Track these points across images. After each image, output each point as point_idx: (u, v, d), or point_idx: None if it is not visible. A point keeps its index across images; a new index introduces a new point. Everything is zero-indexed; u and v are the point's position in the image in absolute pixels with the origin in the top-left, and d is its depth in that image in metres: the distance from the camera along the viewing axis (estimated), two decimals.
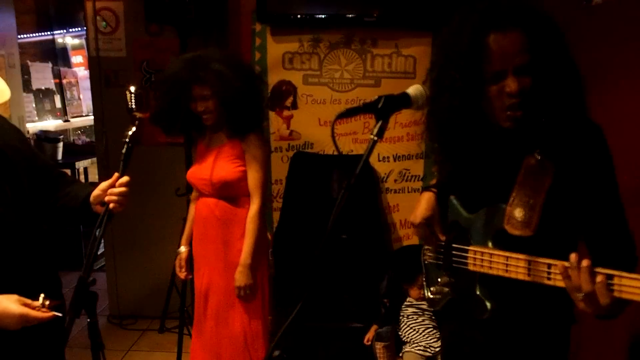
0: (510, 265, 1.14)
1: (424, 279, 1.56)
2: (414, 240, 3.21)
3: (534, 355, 1.32)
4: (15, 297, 1.28)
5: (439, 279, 1.43)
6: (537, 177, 1.13)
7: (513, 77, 1.13)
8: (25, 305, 1.27)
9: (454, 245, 1.36)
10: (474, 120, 1.20)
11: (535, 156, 1.14)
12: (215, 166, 2.26)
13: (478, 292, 1.26)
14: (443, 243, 1.43)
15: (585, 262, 0.97)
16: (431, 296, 1.49)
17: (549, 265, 1.05)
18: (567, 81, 1.15)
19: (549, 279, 1.06)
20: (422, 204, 1.44)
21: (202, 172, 2.29)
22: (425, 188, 1.50)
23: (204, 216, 2.32)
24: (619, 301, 0.95)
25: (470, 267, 1.27)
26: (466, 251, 1.29)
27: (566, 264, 1.01)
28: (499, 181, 1.22)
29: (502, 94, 1.15)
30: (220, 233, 2.28)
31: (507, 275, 1.15)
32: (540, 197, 1.11)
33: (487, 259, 1.22)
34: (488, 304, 1.24)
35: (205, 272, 2.33)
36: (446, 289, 1.42)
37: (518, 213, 1.13)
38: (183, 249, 2.48)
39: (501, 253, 1.17)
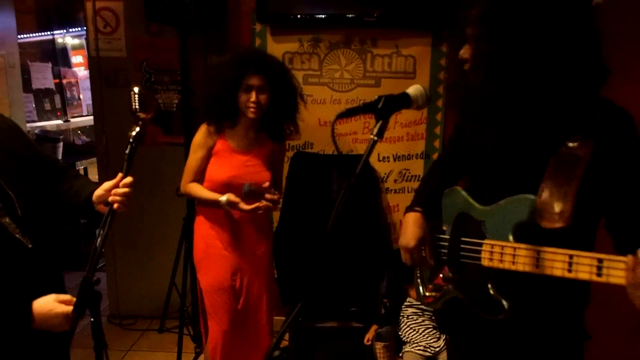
0: (545, 259, 1.07)
1: (418, 276, 1.49)
2: None
3: None
4: (52, 296, 1.35)
5: (441, 275, 1.36)
6: (569, 166, 1.07)
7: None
8: (63, 302, 1.34)
9: (463, 239, 1.29)
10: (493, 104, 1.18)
11: (568, 145, 1.09)
12: (260, 172, 2.30)
13: (492, 291, 1.18)
14: (446, 235, 1.36)
15: None
16: (427, 294, 1.42)
17: (600, 260, 0.98)
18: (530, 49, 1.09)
19: (599, 275, 0.98)
20: (411, 226, 1.39)
21: (247, 177, 2.25)
22: (408, 209, 1.45)
23: (243, 220, 2.32)
24: None
25: (485, 263, 1.19)
26: (480, 245, 1.22)
27: (627, 258, 0.94)
28: (521, 171, 1.18)
29: None
30: (253, 231, 2.36)
31: (537, 271, 1.08)
32: (573, 186, 1.05)
33: (509, 253, 1.14)
34: (505, 303, 1.16)
35: (239, 273, 2.38)
36: (447, 287, 1.35)
37: (550, 203, 1.06)
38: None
39: (530, 247, 1.09)
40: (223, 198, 2.20)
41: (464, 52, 1.20)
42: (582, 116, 1.11)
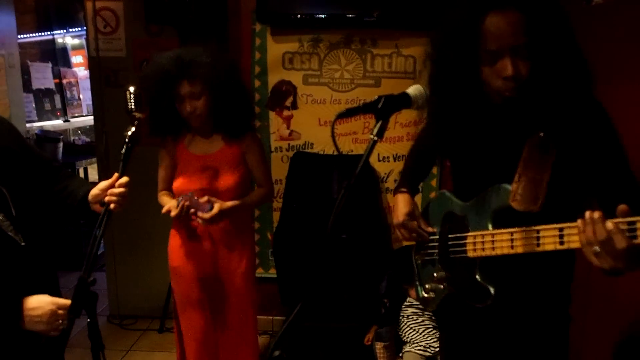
0: (517, 240, 1.13)
1: (416, 280, 1.53)
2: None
3: (533, 351, 1.31)
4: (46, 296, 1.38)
5: (435, 274, 1.40)
6: (542, 154, 1.13)
7: (510, 58, 1.11)
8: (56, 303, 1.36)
9: (450, 236, 1.35)
10: (470, 101, 1.21)
11: (539, 135, 1.14)
12: (221, 175, 2.15)
13: (479, 279, 1.23)
14: (436, 236, 1.42)
15: (597, 214, 0.97)
16: (425, 295, 1.46)
17: (561, 229, 1.05)
18: (568, 65, 1.13)
19: (562, 243, 1.05)
20: (400, 203, 1.49)
21: (202, 182, 2.13)
22: (396, 190, 1.56)
23: (218, 232, 2.19)
24: (636, 249, 0.94)
25: (470, 254, 1.25)
26: (464, 238, 1.27)
27: (578, 221, 1.00)
28: (498, 165, 1.22)
29: (498, 75, 1.14)
30: (221, 241, 2.21)
31: (512, 251, 1.14)
32: (545, 172, 1.11)
33: (489, 240, 1.20)
34: (491, 289, 1.21)
35: (211, 289, 2.24)
36: (441, 286, 1.39)
37: (524, 189, 1.12)
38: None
39: (505, 231, 1.16)
40: (164, 209, 2.11)
41: (522, 68, 1.13)
42: (561, 111, 1.17)
